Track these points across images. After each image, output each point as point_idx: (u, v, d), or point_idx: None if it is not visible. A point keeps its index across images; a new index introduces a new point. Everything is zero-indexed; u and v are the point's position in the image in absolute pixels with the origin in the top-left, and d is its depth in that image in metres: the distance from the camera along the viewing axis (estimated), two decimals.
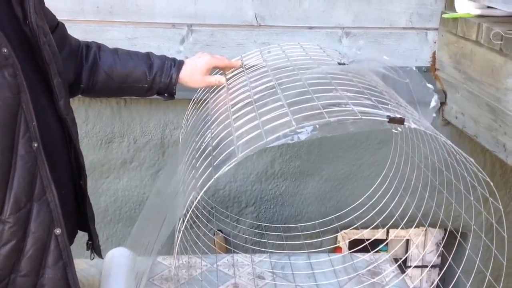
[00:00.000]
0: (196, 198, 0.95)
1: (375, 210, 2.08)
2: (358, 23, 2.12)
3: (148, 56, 1.49)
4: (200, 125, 1.32)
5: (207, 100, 1.54)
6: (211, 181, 0.92)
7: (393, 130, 1.22)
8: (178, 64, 1.48)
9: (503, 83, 1.67)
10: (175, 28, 2.06)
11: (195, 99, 1.72)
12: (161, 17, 2.04)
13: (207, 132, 1.15)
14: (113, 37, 2.02)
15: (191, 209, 0.99)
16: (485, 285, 1.64)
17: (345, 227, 2.28)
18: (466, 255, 2.31)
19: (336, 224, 2.20)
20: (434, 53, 2.18)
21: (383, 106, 0.99)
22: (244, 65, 1.56)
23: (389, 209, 2.05)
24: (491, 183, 1.09)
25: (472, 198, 1.52)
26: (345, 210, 2.16)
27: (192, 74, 1.48)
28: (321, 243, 2.28)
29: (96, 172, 2.13)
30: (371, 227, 2.11)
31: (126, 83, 1.44)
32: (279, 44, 1.76)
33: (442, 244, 2.46)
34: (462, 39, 1.93)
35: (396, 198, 2.04)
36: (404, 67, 1.35)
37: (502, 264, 1.49)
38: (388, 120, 0.94)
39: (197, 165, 1.10)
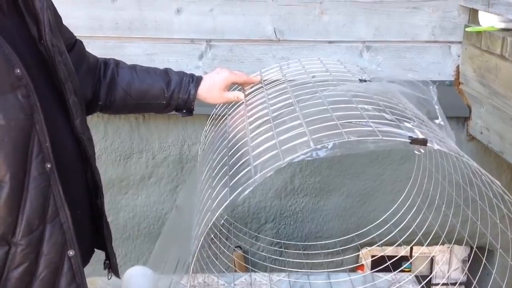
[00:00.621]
0: (211, 220, 0.93)
1: (398, 228, 2.04)
2: (380, 37, 2.09)
3: (166, 72, 1.48)
4: (218, 142, 1.30)
5: (225, 116, 1.52)
6: (226, 203, 0.89)
7: (415, 152, 1.18)
8: (196, 80, 1.47)
9: None
10: (194, 44, 2.05)
11: (214, 115, 1.71)
12: (180, 32, 2.03)
13: (224, 150, 1.12)
14: (132, 53, 2.02)
15: (208, 228, 0.97)
16: None
17: (367, 244, 2.24)
18: (493, 273, 2.25)
19: (357, 243, 2.16)
20: (457, 67, 2.13)
21: (405, 125, 0.96)
22: (263, 81, 1.54)
23: (412, 227, 2.00)
24: None
25: (497, 218, 1.47)
26: (367, 228, 2.12)
27: (210, 90, 1.47)
28: (342, 261, 2.24)
29: (114, 188, 2.12)
30: (394, 245, 2.06)
31: (144, 99, 1.44)
32: (299, 59, 1.74)
33: (469, 263, 2.40)
34: (486, 53, 1.88)
35: (420, 215, 1.99)
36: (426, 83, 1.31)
37: None
38: (410, 141, 0.90)
39: (213, 184, 1.07)
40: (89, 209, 1.20)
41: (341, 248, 2.15)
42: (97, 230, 1.24)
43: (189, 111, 1.51)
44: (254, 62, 2.08)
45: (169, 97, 1.44)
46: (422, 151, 1.31)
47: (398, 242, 2.08)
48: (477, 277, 2.11)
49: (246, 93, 1.53)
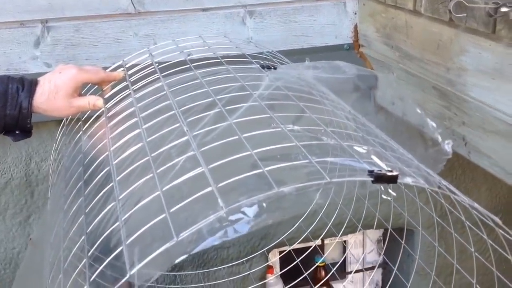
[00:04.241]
0: None
1: (313, 225, 1.81)
2: None
3: None
4: (71, 181, 0.92)
5: (80, 124, 1.14)
6: None
7: (384, 196, 0.91)
8: (29, 87, 1.07)
9: (455, 62, 1.41)
10: (25, 27, 1.61)
11: (66, 121, 1.32)
12: (3, 14, 1.58)
13: (82, 218, 0.76)
14: None
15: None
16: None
17: (277, 246, 1.99)
18: (416, 253, 2.12)
19: (265, 249, 1.90)
20: (355, 27, 1.89)
21: (357, 150, 0.66)
22: (129, 77, 1.17)
23: (335, 219, 1.78)
24: None
25: (416, 196, 1.29)
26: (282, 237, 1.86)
27: (52, 98, 1.08)
28: (249, 269, 1.97)
29: None
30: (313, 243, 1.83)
31: None
32: (173, 40, 1.38)
33: (385, 244, 2.23)
34: (392, 8, 1.65)
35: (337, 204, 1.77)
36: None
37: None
38: (372, 178, 0.60)
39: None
40: None
41: (245, 259, 1.87)
42: None
43: (26, 132, 1.11)
44: (111, 44, 1.69)
45: None
46: (394, 194, 1.04)
47: (318, 240, 1.86)
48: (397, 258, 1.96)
49: (107, 95, 1.16)
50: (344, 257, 2.40)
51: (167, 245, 0.60)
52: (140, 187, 0.73)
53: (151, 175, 0.71)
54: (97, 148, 0.91)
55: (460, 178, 2.06)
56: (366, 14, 1.82)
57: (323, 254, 2.29)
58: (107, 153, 0.86)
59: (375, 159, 0.65)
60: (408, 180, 0.62)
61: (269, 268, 2.15)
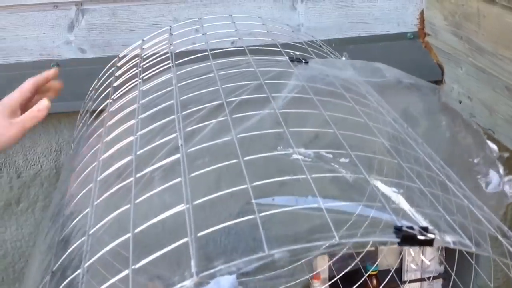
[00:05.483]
0: None
1: (362, 228, 1.63)
2: None
3: None
4: (61, 197, 0.80)
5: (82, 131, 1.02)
6: None
7: (412, 265, 0.74)
8: None
9: None
10: (59, 10, 1.52)
11: (84, 112, 1.21)
12: None
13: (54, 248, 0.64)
14: None
15: None
16: None
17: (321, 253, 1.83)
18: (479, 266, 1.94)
19: (309, 258, 1.74)
20: (421, 13, 1.69)
21: (386, 192, 0.49)
22: (143, 61, 1.04)
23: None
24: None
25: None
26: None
27: None
28: (292, 277, 1.83)
29: None
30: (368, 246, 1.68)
31: None
32: (199, 18, 1.24)
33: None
34: None
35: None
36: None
37: None
38: (399, 239, 0.45)
39: None
40: None
41: (288, 267, 1.73)
42: None
43: None
44: (150, 28, 1.57)
45: None
46: (428, 262, 0.87)
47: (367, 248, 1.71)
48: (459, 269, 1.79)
49: (121, 69, 1.03)
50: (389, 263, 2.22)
51: None
52: (115, 219, 0.60)
53: (128, 206, 0.58)
54: (89, 154, 0.79)
55: None
56: (434, 0, 1.61)
57: (377, 261, 2.11)
58: (95, 163, 0.73)
59: (406, 207, 0.48)
60: (449, 240, 0.46)
61: (315, 274, 2.00)
